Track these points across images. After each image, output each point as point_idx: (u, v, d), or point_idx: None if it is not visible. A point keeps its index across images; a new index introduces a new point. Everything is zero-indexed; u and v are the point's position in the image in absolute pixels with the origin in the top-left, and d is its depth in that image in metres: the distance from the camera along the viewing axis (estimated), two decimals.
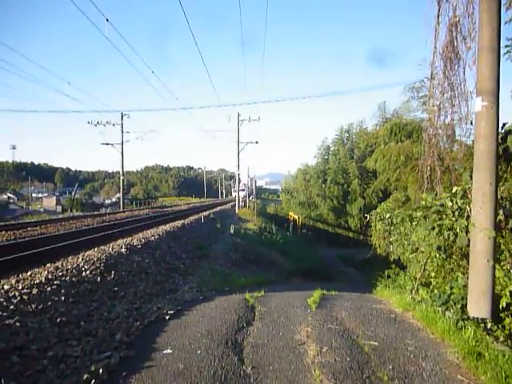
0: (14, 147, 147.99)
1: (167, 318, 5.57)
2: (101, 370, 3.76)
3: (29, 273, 6.59)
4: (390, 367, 4.12)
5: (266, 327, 5.32)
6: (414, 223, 8.20)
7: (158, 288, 7.40)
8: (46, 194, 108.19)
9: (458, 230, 6.41)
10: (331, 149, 42.66)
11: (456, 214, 6.90)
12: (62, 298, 5.48)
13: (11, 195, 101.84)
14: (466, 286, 6.02)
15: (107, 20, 12.40)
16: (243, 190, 53.46)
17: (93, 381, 3.57)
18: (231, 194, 74.90)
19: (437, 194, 8.57)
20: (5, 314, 4.53)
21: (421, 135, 13.70)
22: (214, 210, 33.43)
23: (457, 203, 7.01)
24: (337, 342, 4.74)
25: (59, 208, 64.71)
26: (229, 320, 5.48)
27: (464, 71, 8.29)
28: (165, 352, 4.37)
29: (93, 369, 3.78)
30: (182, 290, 7.56)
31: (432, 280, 7.34)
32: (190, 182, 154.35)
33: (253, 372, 3.96)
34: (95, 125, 38.74)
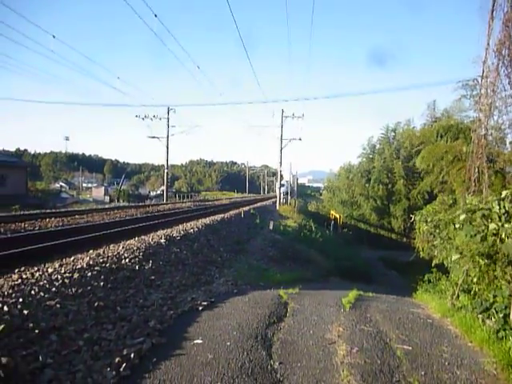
0: (67, 138, 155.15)
1: (200, 308, 5.66)
2: (132, 355, 3.88)
3: (72, 258, 6.89)
4: (422, 373, 3.99)
5: (298, 324, 5.29)
6: (458, 226, 7.86)
7: (194, 279, 7.53)
8: (95, 184, 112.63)
9: (503, 235, 6.08)
10: (376, 147, 41.70)
11: (503, 218, 6.56)
12: (101, 284, 5.69)
13: (63, 184, 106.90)
14: (510, 295, 5.72)
15: (155, 16, 12.71)
16: (284, 185, 52.73)
17: (124, 364, 3.68)
18: (273, 191, 74.38)
19: (483, 196, 8.18)
20: (47, 295, 4.77)
21: (469, 137, 13.12)
22: (255, 205, 33.56)
23: (504, 207, 6.66)
24: (368, 344, 4.65)
25: (107, 198, 67.16)
26: (260, 315, 5.50)
27: None
28: (195, 342, 4.45)
29: (125, 353, 3.91)
30: (217, 282, 7.65)
31: (474, 286, 7.02)
32: (233, 177, 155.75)
33: (280, 367, 3.96)
34: (143, 118, 39.83)
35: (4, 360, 3.23)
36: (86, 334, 4.20)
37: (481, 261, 6.77)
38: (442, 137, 25.67)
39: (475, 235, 6.44)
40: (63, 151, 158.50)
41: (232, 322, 5.12)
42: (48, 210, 18.80)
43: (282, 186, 41.74)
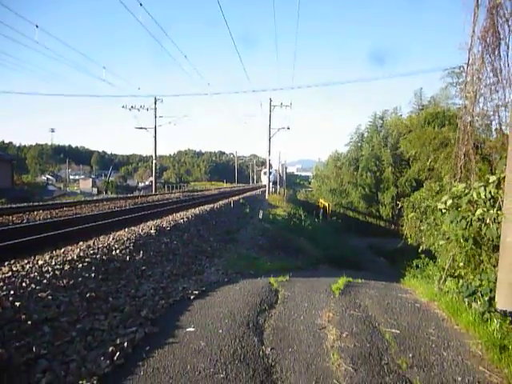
0: (52, 130, 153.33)
1: (192, 297, 5.70)
2: (125, 344, 3.93)
3: (62, 250, 6.87)
4: (410, 355, 4.10)
5: (288, 311, 5.37)
6: (444, 212, 8.00)
7: (185, 269, 7.56)
8: (82, 176, 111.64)
9: (488, 220, 6.22)
10: (364, 136, 41.88)
11: (488, 204, 6.70)
12: (92, 275, 5.70)
13: (50, 177, 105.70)
14: (495, 278, 5.87)
15: (141, 5, 12.54)
16: (272, 174, 53.13)
17: (117, 353, 3.72)
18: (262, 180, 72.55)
19: (470, 183, 8.33)
20: (38, 287, 4.76)
21: (455, 124, 13.24)
22: (244, 195, 33.60)
23: (490, 193, 6.79)
24: (357, 328, 4.75)
25: (95, 190, 66.66)
26: (251, 302, 5.56)
27: (507, 56, 7.94)
28: (187, 330, 4.50)
29: (118, 342, 3.95)
30: (208, 271, 7.70)
31: (460, 271, 7.19)
32: (222, 167, 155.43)
33: (272, 353, 4.04)
34: (129, 109, 39.49)
35: None
36: (79, 324, 4.22)
37: (467, 246, 6.92)
38: (429, 124, 25.89)
39: (461, 220, 6.58)
40: (49, 143, 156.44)
41: (223, 310, 5.18)
42: (35, 203, 18.62)
43: (270, 173, 41.52)
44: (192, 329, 4.53)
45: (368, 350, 4.13)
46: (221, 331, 4.48)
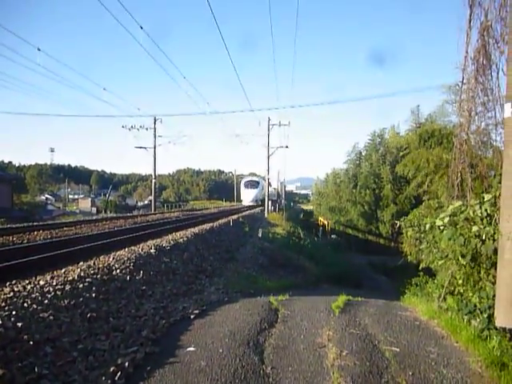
0: (52, 150, 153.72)
1: (192, 317, 5.72)
2: (127, 364, 3.95)
3: (63, 270, 6.90)
4: (410, 373, 4.12)
5: (288, 330, 5.39)
6: (442, 229, 8.07)
7: (185, 288, 7.58)
8: (81, 196, 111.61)
9: (485, 237, 6.29)
10: (363, 154, 42.17)
11: (485, 221, 6.78)
12: (93, 295, 5.73)
13: (49, 196, 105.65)
14: (494, 295, 5.90)
15: (141, 28, 12.85)
16: (271, 193, 54.45)
17: (119, 373, 3.75)
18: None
19: (467, 201, 8.41)
20: (39, 307, 4.80)
21: (451, 142, 13.41)
22: (244, 213, 33.64)
23: (486, 210, 6.88)
24: (357, 347, 4.77)
25: (94, 209, 66.60)
26: (252, 321, 5.58)
27: (498, 76, 8.13)
28: (188, 350, 4.52)
29: (119, 362, 3.97)
30: (208, 291, 7.72)
31: (460, 288, 7.21)
32: (221, 186, 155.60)
33: (272, 372, 4.05)
34: (129, 129, 39.80)
35: (0, 372, 3.28)
36: (80, 344, 4.25)
37: (465, 263, 6.97)
38: (425, 141, 26.17)
39: (458, 238, 6.64)
40: (48, 163, 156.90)
41: (224, 330, 5.20)
42: (35, 223, 18.65)
43: (270, 194, 42.54)
44: (193, 348, 4.55)
45: (368, 369, 4.14)
46: (221, 350, 4.50)
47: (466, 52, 8.73)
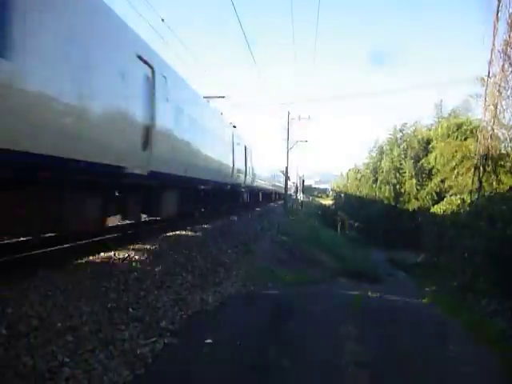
0: None
1: (210, 309, 5.76)
2: (146, 354, 4.00)
3: (84, 260, 7.04)
4: (430, 371, 4.06)
5: (306, 324, 5.38)
6: (465, 226, 7.93)
7: (203, 281, 7.63)
8: None
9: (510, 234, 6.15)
10: (384, 149, 41.62)
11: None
12: (113, 286, 5.82)
13: None
14: None
15: (162, 20, 12.80)
16: (291, 187, 50.22)
17: (138, 363, 3.80)
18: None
19: (491, 196, 8.23)
20: (61, 297, 4.91)
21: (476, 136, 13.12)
22: (262, 208, 33.65)
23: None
24: (376, 344, 4.73)
25: None
26: (269, 315, 5.59)
27: None
28: (206, 341, 4.55)
29: (138, 352, 4.02)
30: (226, 283, 7.74)
31: (482, 286, 7.09)
32: None
33: (289, 365, 4.05)
34: None
35: (24, 359, 3.37)
36: (101, 334, 4.31)
37: (488, 260, 6.84)
38: (450, 135, 25.65)
39: (482, 235, 6.52)
40: None
41: (241, 322, 5.22)
42: None
43: (289, 188, 41.32)
44: (210, 340, 4.58)
45: (387, 366, 4.11)
46: (239, 343, 4.52)
47: (493, 44, 8.48)
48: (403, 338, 4.95)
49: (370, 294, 7.72)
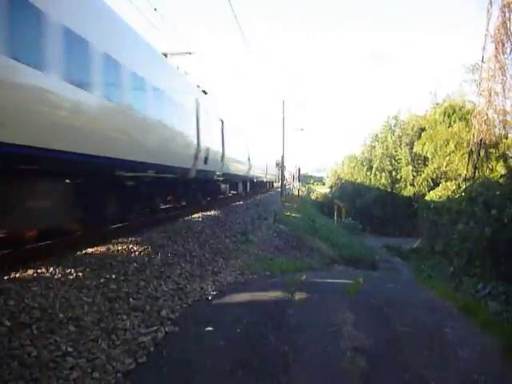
0: None
1: (209, 298, 5.83)
2: (147, 343, 4.07)
3: (83, 252, 7.06)
4: (426, 354, 4.15)
5: (305, 311, 5.45)
6: (460, 212, 8.01)
7: (202, 270, 7.69)
8: None
9: (506, 220, 6.23)
10: (378, 136, 41.69)
11: (508, 203, 6.70)
12: (113, 276, 5.86)
13: None
14: None
15: (155, 9, 12.67)
16: (286, 176, 48.09)
17: (140, 351, 3.87)
18: (276, 181, 53.86)
19: (485, 181, 8.31)
20: (63, 288, 4.95)
21: (470, 121, 13.17)
22: (258, 196, 33.69)
23: (507, 192, 6.80)
24: (374, 328, 4.81)
25: None
26: (268, 302, 5.66)
27: None
28: (206, 329, 4.62)
29: (140, 341, 4.09)
30: (225, 272, 7.82)
31: (477, 270, 7.19)
32: None
33: (289, 351, 4.13)
34: None
35: (28, 349, 3.42)
36: (103, 324, 4.37)
37: (482, 245, 6.93)
38: (449, 116, 25.69)
39: (476, 220, 6.60)
40: None
41: (241, 310, 5.29)
42: None
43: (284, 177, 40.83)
44: (211, 328, 4.65)
45: (384, 350, 4.20)
46: (239, 330, 4.59)
47: (487, 30, 8.49)
48: (400, 322, 5.03)
49: (365, 280, 7.80)
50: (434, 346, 4.36)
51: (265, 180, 39.29)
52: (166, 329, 4.52)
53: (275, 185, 52.41)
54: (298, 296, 6.13)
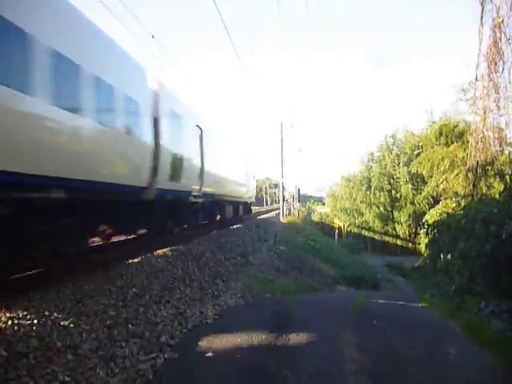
0: None
1: (210, 322, 5.76)
2: (146, 370, 4.01)
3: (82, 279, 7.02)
4: (430, 375, 4.09)
5: (305, 333, 5.38)
6: (460, 229, 7.99)
7: (202, 294, 7.63)
8: None
9: (504, 236, 6.21)
10: (375, 155, 41.98)
11: (506, 220, 6.69)
12: (112, 302, 5.81)
13: None
14: None
15: (153, 37, 12.95)
16: (286, 197, 46.50)
17: (139, 379, 3.81)
18: (276, 202, 50.14)
19: (484, 198, 8.32)
20: (60, 315, 4.90)
21: (466, 139, 13.28)
22: (259, 217, 33.66)
23: (506, 209, 6.81)
24: (376, 349, 4.75)
25: None
26: (268, 325, 5.59)
27: (510, 72, 8.03)
28: (206, 355, 4.55)
29: (139, 368, 4.03)
30: (225, 296, 7.74)
31: (478, 288, 7.14)
32: None
33: (290, 375, 4.06)
34: None
35: (24, 380, 3.37)
36: (101, 351, 4.31)
37: (483, 262, 6.89)
38: (446, 136, 25.97)
39: (476, 238, 6.58)
40: None
41: (241, 334, 5.22)
42: None
43: (284, 197, 40.71)
44: (211, 354, 4.58)
45: (387, 371, 4.13)
46: (239, 355, 4.53)
47: (479, 49, 8.63)
48: (402, 342, 4.97)
49: (367, 299, 7.74)
50: (437, 366, 4.29)
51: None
52: (166, 355, 4.45)
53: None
54: (299, 317, 6.07)
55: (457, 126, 26.11)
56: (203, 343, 4.94)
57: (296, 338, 5.14)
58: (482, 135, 9.34)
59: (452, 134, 25.51)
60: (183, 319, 5.82)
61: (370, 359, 4.44)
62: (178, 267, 8.95)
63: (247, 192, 24.44)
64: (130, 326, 5.17)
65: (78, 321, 4.91)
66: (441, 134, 27.06)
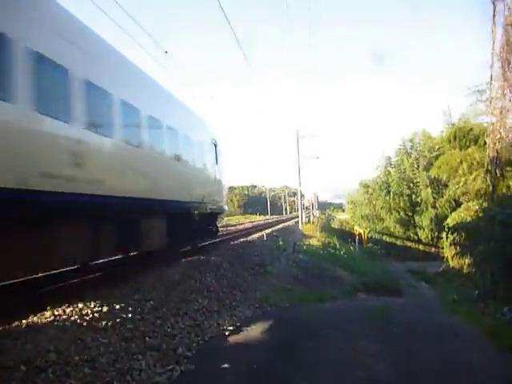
0: None
1: (227, 333, 5.76)
2: (162, 382, 4.02)
3: (101, 292, 7.10)
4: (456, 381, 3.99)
5: (323, 342, 5.34)
6: (481, 233, 7.82)
7: (219, 305, 7.63)
8: None
9: None
10: (392, 160, 41.45)
11: None
12: (130, 316, 5.86)
13: None
14: None
15: (166, 52, 13.20)
16: (305, 205, 46.08)
17: None
18: (295, 210, 50.08)
19: (503, 200, 8.14)
20: (79, 330, 4.97)
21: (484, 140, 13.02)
22: (277, 226, 33.60)
23: None
24: (393, 358, 4.66)
25: None
26: (286, 336, 5.57)
27: None
28: (223, 366, 4.55)
29: (155, 380, 4.05)
30: (243, 306, 7.74)
31: (502, 292, 6.95)
32: (254, 200, 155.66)
33: None
34: None
35: None
36: (118, 364, 4.35)
37: (506, 266, 6.72)
38: (460, 140, 25.53)
39: (495, 240, 6.43)
40: None
41: (258, 345, 5.21)
42: None
43: (303, 205, 40.65)
44: (227, 365, 4.58)
45: (404, 382, 4.05)
46: (256, 366, 4.50)
47: (493, 49, 8.52)
48: (425, 350, 4.87)
49: (389, 308, 7.61)
50: (458, 374, 4.18)
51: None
52: (182, 367, 4.46)
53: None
54: (317, 326, 6.02)
55: (471, 130, 25.65)
56: (220, 354, 4.94)
57: (313, 347, 5.09)
58: (499, 136, 9.17)
59: (467, 139, 25.06)
60: (200, 331, 5.84)
61: (386, 367, 4.36)
62: (196, 278, 8.97)
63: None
64: (147, 338, 5.21)
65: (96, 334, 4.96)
66: (457, 138, 26.64)
